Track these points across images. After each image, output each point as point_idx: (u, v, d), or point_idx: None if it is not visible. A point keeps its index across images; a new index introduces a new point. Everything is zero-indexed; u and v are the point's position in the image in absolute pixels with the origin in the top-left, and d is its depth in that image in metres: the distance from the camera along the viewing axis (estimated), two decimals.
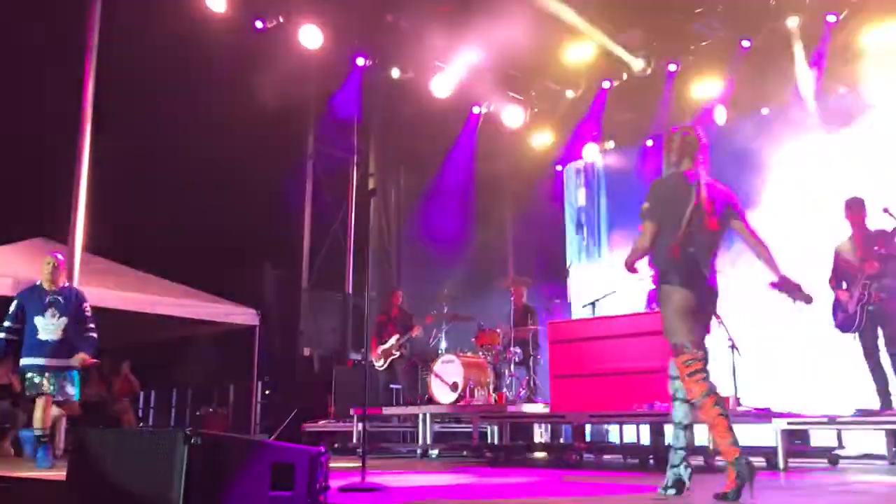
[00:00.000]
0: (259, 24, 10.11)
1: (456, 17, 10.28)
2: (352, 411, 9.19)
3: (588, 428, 8.46)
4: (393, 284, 12.28)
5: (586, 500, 4.20)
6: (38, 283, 6.95)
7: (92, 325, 7.02)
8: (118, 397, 10.70)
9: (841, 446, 7.11)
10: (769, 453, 6.52)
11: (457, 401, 8.90)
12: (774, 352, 9.37)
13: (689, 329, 4.05)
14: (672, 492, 4.18)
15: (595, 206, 12.72)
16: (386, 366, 9.91)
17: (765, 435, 6.83)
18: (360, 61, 11.11)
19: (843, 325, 7.00)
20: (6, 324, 6.80)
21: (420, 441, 8.69)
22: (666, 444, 7.58)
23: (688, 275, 4.08)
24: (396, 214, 13.54)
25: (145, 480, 2.77)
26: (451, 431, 9.88)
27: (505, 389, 9.09)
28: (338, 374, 10.48)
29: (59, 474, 4.13)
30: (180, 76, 10.06)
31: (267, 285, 11.89)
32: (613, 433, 8.86)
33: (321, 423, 9.98)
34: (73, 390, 6.85)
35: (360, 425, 8.44)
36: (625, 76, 11.05)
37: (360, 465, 4.71)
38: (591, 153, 12.34)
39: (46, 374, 6.69)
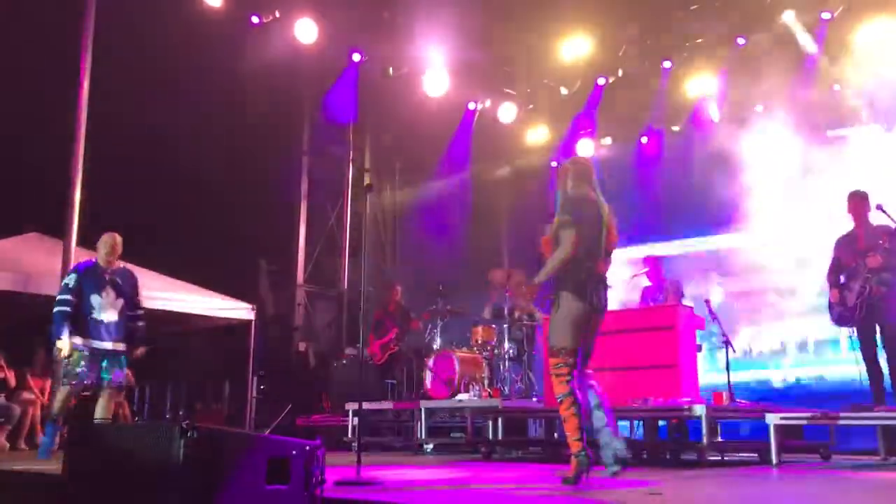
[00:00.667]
0: (255, 19, 10.11)
1: (451, 13, 10.28)
2: (346, 406, 9.21)
3: None
4: (389, 280, 12.29)
5: (578, 493, 4.22)
6: (94, 260, 6.67)
7: (142, 312, 6.81)
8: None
9: (833, 442, 7.15)
10: (762, 448, 6.56)
11: (451, 395, 8.92)
12: (768, 348, 9.42)
13: (572, 337, 4.51)
14: (616, 468, 4.51)
15: None
16: (384, 360, 9.95)
17: (757, 430, 6.88)
18: (356, 57, 11.11)
19: (841, 320, 6.97)
20: (63, 296, 6.45)
21: (415, 436, 8.70)
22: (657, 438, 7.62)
23: (585, 287, 4.48)
24: (392, 210, 13.56)
25: (141, 474, 2.78)
26: (445, 426, 9.90)
27: (500, 385, 9.12)
28: (333, 369, 10.49)
29: (56, 468, 4.14)
30: (176, 71, 10.04)
31: (262, 281, 11.89)
32: None
33: (316, 417, 9.99)
34: (122, 374, 6.59)
35: (355, 420, 8.46)
36: (620, 72, 11.07)
37: (356, 459, 4.73)
38: (586, 149, 12.35)
39: (89, 360, 6.35)
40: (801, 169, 9.90)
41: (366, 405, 8.67)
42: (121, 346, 6.53)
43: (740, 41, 9.96)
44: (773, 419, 6.30)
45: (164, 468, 2.63)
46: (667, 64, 10.74)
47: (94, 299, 6.43)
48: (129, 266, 6.87)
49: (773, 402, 7.76)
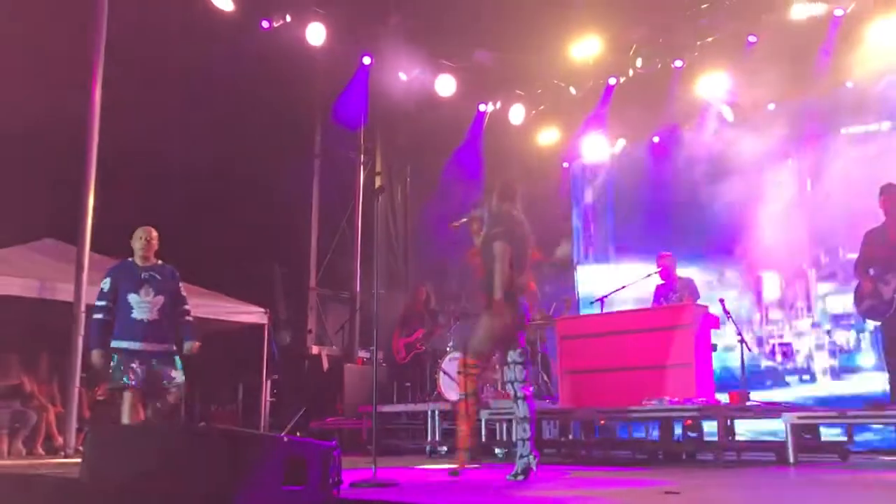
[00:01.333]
0: (265, 24, 10.15)
1: (461, 15, 10.29)
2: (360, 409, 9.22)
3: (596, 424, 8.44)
4: (400, 282, 12.31)
5: (593, 493, 4.20)
6: (129, 259, 6.23)
7: (188, 307, 6.33)
8: None
9: (851, 441, 7.09)
10: (779, 448, 6.51)
11: None
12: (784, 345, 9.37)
13: (491, 346, 4.96)
14: (521, 477, 4.78)
15: (602, 202, 12.71)
16: (408, 359, 9.99)
17: (774, 430, 6.83)
18: (367, 60, 11.13)
19: (871, 312, 6.84)
20: (100, 303, 6.07)
21: (429, 438, 8.69)
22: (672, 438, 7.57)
23: (515, 299, 4.88)
24: (403, 212, 13.55)
25: (159, 476, 2.79)
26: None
27: None
28: (347, 372, 10.49)
29: (76, 472, 4.15)
30: (187, 75, 10.08)
31: (275, 284, 11.90)
32: (622, 429, 8.85)
33: (330, 420, 10.00)
34: (177, 373, 6.00)
35: (370, 423, 8.45)
36: (631, 72, 11.04)
37: (371, 461, 4.72)
38: (598, 150, 12.33)
39: (136, 362, 5.87)
40: (814, 167, 9.85)
41: (380, 408, 8.67)
42: (165, 347, 6.06)
43: (752, 39, 9.90)
44: (789, 418, 6.27)
45: (182, 470, 2.64)
46: (678, 63, 10.70)
47: (132, 298, 6.00)
48: None
49: (790, 402, 7.70)
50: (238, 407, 11.47)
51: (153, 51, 9.58)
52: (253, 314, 10.52)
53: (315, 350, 11.71)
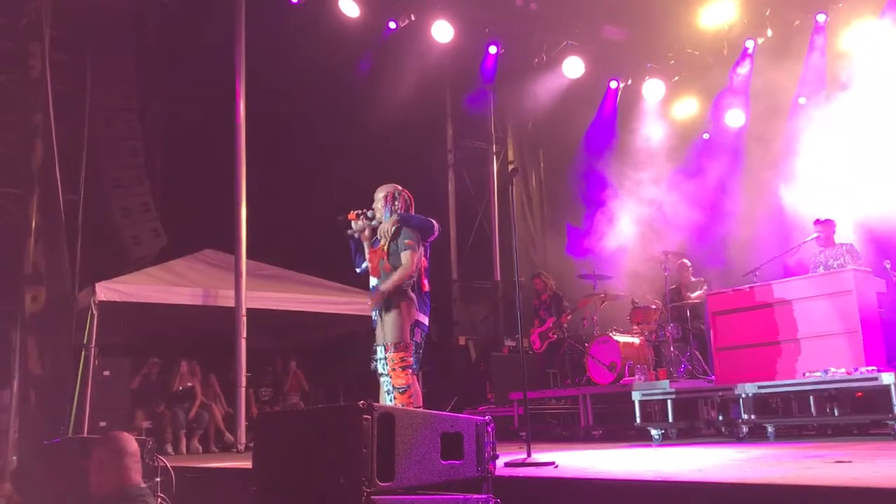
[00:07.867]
0: (392, 25, 10.41)
1: None
2: (511, 396, 9.26)
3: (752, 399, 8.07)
4: (539, 268, 12.26)
5: (760, 465, 4.06)
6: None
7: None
8: (288, 394, 11.23)
9: None
10: None
11: (615, 381, 8.77)
12: None
13: (410, 336, 5.22)
14: None
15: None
16: (544, 349, 9.96)
17: None
18: (493, 49, 11.17)
19: None
20: None
21: (582, 423, 8.62)
22: (836, 413, 7.13)
23: (414, 298, 5.35)
24: (539, 198, 13.49)
25: (325, 456, 2.91)
26: (612, 412, 9.74)
27: (668, 367, 8.85)
28: (494, 360, 10.57)
29: (246, 464, 4.41)
30: (322, 81, 10.46)
31: None
32: (784, 404, 8.41)
33: (482, 409, 10.10)
34: None
35: (521, 409, 8.48)
36: (769, 32, 10.47)
37: (524, 446, 4.74)
38: (737, 119, 11.78)
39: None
40: None
41: (529, 394, 8.66)
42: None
43: None
44: None
45: (348, 448, 2.74)
46: (821, 18, 10.03)
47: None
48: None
49: None
50: None
51: (288, 64, 10.01)
52: None
53: (462, 341, 11.87)
